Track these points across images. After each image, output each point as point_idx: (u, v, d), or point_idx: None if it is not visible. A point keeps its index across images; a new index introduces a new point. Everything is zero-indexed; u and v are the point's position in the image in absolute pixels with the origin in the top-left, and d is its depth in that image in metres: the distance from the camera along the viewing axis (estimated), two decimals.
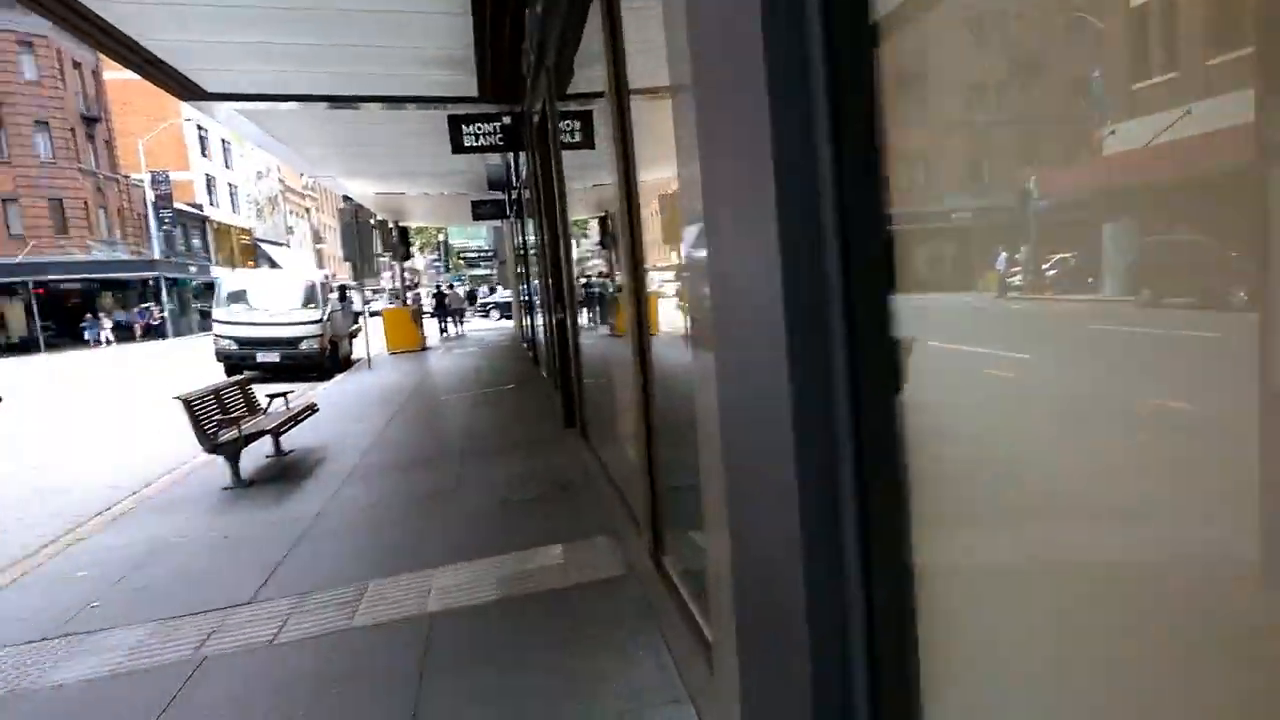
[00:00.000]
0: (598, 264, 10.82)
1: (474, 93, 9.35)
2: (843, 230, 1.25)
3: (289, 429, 7.76)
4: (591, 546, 4.88)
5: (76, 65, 41.32)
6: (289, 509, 6.14)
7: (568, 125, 7.06)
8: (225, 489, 6.78)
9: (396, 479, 6.93)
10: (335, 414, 10.36)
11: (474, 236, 43.50)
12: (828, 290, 1.28)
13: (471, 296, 43.31)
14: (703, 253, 1.69)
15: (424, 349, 20.06)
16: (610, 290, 12.60)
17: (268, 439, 7.48)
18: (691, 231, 1.88)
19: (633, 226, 3.73)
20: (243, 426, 6.96)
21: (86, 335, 37.10)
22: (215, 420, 6.94)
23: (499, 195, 17.47)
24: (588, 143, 7.07)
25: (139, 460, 8.71)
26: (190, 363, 21.14)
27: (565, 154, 7.21)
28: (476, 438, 8.53)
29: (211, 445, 6.73)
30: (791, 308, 1.28)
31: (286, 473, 7.33)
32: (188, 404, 6.69)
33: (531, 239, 12.81)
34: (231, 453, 6.82)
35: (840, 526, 1.33)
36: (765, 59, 1.29)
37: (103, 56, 40.85)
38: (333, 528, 5.62)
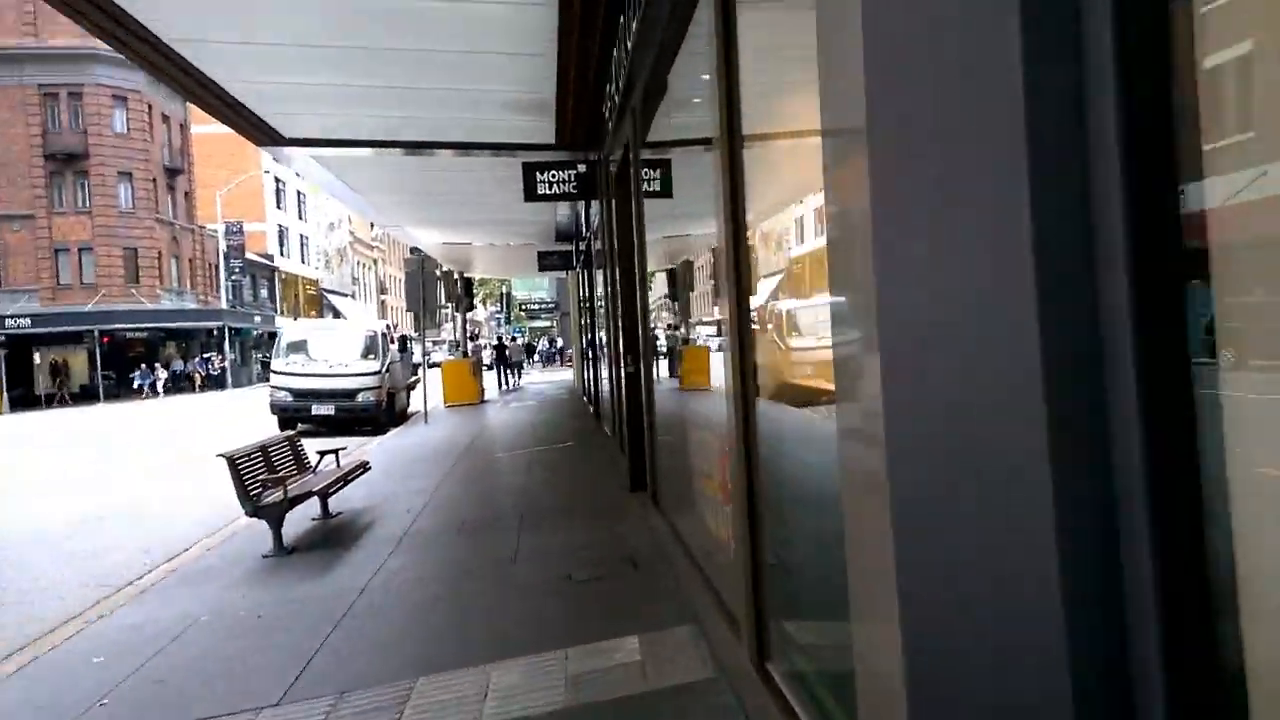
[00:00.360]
0: (665, 316, 10.38)
1: (551, 139, 9.08)
2: (1134, 244, 0.91)
3: (338, 489, 7.24)
4: (672, 639, 4.16)
5: (165, 119, 42.61)
6: (332, 582, 5.55)
7: (649, 173, 6.66)
8: (265, 556, 6.24)
9: (448, 548, 6.31)
10: (388, 472, 9.86)
11: (536, 288, 43.69)
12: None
13: (530, 349, 43.50)
14: (851, 271, 1.46)
15: (482, 402, 19.67)
16: (678, 343, 12.29)
17: (315, 499, 6.96)
18: (844, 252, 1.59)
19: (739, 273, 3.11)
20: (289, 488, 6.44)
21: (136, 384, 36.58)
22: (260, 480, 6.43)
23: (566, 246, 17.22)
24: (667, 191, 6.74)
25: (178, 522, 8.25)
26: (246, 413, 21.07)
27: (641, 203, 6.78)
28: (535, 500, 7.90)
29: (254, 508, 6.22)
30: (1051, 346, 0.97)
31: (332, 538, 6.77)
32: (232, 462, 6.21)
33: (600, 290, 12.45)
34: (275, 516, 6.29)
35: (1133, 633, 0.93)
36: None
37: (191, 109, 42.61)
38: (378, 606, 5.00)
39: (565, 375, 29.70)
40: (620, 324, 7.85)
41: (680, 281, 12.33)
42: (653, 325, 8.93)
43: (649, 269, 8.84)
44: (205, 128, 40.99)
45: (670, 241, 9.72)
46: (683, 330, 13.60)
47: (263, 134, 8.51)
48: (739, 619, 3.42)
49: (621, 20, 5.85)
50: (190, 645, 4.56)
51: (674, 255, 12.06)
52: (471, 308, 25.55)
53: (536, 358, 42.97)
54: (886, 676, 1.37)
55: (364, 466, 8.02)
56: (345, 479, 7.35)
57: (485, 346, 30.60)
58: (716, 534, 4.60)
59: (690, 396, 8.05)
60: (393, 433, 14.95)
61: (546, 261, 18.85)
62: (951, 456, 1.17)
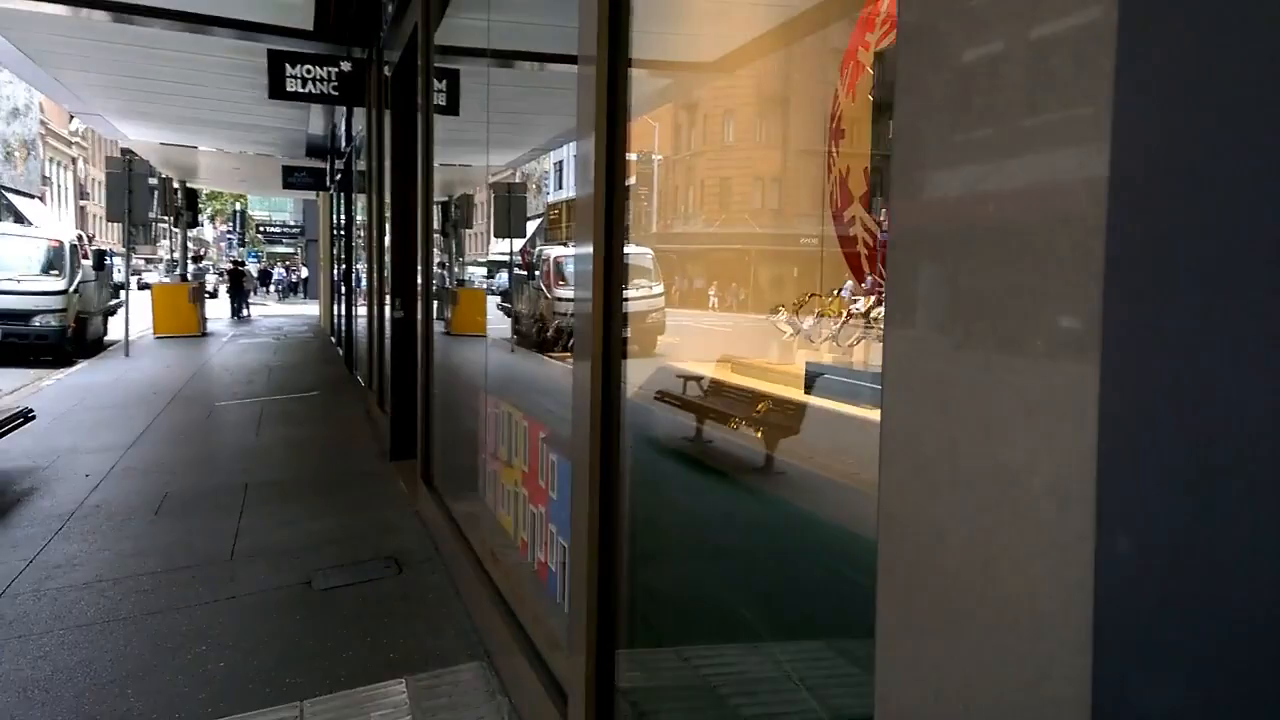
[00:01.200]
0: (434, 254, 9.27)
1: (309, 24, 7.34)
2: None
3: None
4: (455, 686, 3.18)
5: None
6: None
7: (440, 84, 5.52)
8: None
9: (139, 534, 4.79)
10: (66, 419, 7.78)
11: (278, 209, 39.24)
12: None
13: (265, 276, 39.49)
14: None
15: (203, 334, 16.95)
16: (449, 284, 11.19)
17: None
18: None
19: (612, 223, 2.14)
20: None
21: None
22: None
23: (319, 163, 15.13)
24: (454, 108, 5.69)
25: None
26: None
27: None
28: (267, 467, 6.43)
29: None
30: None
31: None
32: None
33: (360, 217, 10.81)
34: None
35: None
36: None
37: None
38: (21, 628, 3.52)
39: (309, 310, 26.79)
40: (389, 260, 6.54)
41: (456, 217, 11.06)
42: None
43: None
44: None
45: (446, 171, 8.54)
46: (454, 271, 12.31)
47: None
48: (564, 682, 2.51)
49: None
50: None
51: (447, 187, 10.76)
52: (195, 224, 22.12)
53: (273, 287, 38.94)
54: None
55: (25, 415, 6.06)
56: None
57: (210, 270, 26.89)
58: (515, 537, 3.63)
59: (466, 345, 7.00)
60: (81, 366, 12.26)
61: (293, 179, 16.69)
62: None
